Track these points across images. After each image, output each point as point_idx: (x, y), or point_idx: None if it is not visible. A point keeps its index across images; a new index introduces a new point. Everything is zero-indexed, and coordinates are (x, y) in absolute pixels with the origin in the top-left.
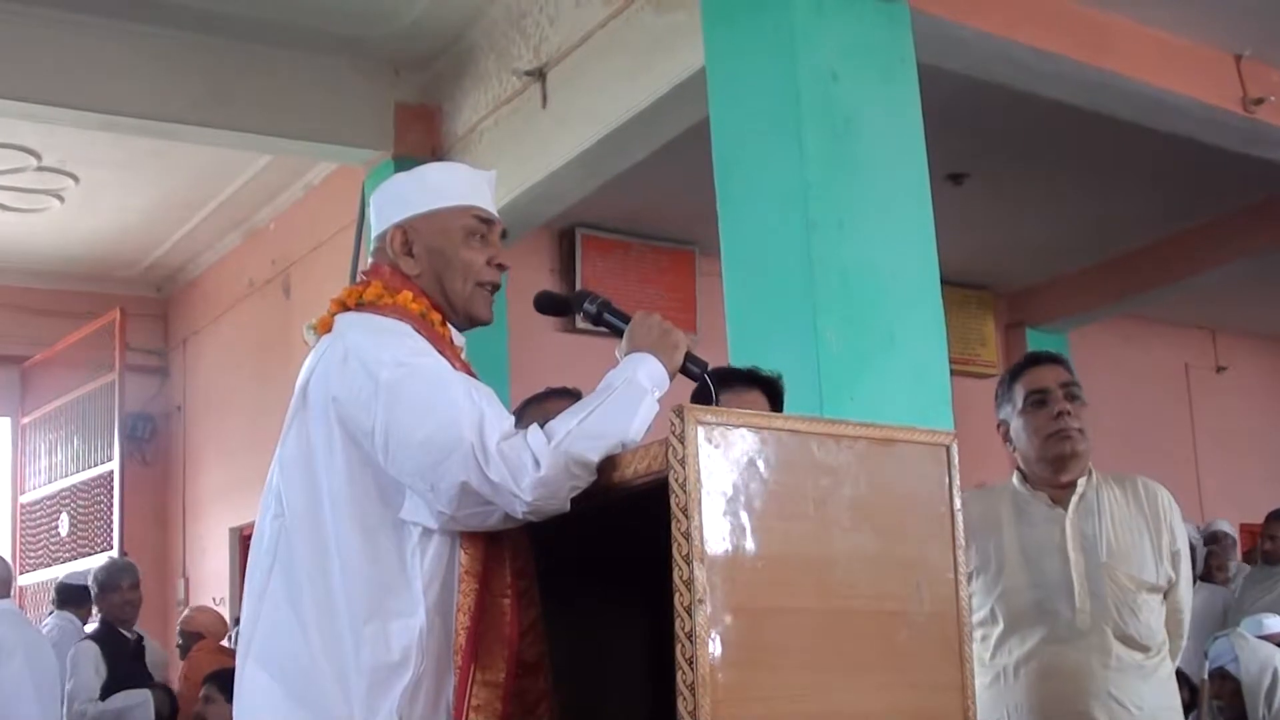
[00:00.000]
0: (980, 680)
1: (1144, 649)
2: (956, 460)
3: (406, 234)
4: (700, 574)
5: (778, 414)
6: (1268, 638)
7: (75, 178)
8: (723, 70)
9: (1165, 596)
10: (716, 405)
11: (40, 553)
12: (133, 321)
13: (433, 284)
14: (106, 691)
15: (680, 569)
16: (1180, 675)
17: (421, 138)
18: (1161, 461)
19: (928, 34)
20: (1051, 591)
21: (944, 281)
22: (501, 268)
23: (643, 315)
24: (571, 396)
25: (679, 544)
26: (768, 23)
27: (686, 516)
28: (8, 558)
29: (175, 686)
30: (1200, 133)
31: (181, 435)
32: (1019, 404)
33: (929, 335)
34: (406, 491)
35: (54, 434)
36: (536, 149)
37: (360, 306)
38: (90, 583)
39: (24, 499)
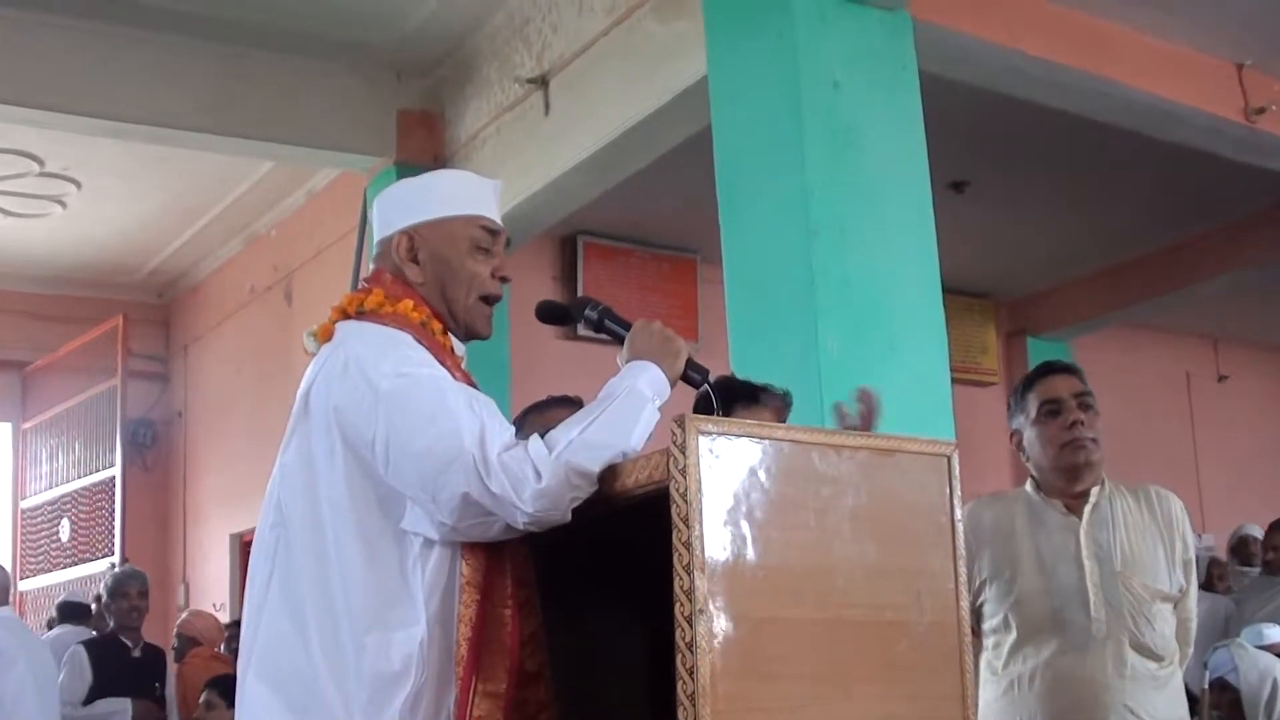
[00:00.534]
0: (994, 689)
1: (1158, 658)
2: (957, 470)
3: (413, 240)
4: (701, 584)
5: (779, 424)
6: (1268, 648)
7: (78, 183)
8: (725, 79)
9: (1175, 606)
10: (720, 415)
11: (41, 558)
12: (134, 327)
13: (435, 293)
14: (94, 696)
15: (681, 579)
16: None
17: (423, 144)
18: (1162, 470)
19: (930, 43)
20: (1067, 600)
21: (945, 290)
22: (504, 280)
23: (643, 323)
24: (573, 405)
25: (680, 554)
26: (770, 31)
27: (687, 526)
28: (8, 563)
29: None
30: (1202, 142)
31: (182, 441)
32: (1032, 414)
33: (930, 344)
34: (407, 502)
35: (55, 439)
36: (539, 156)
37: (361, 315)
38: (100, 588)
39: (25, 504)
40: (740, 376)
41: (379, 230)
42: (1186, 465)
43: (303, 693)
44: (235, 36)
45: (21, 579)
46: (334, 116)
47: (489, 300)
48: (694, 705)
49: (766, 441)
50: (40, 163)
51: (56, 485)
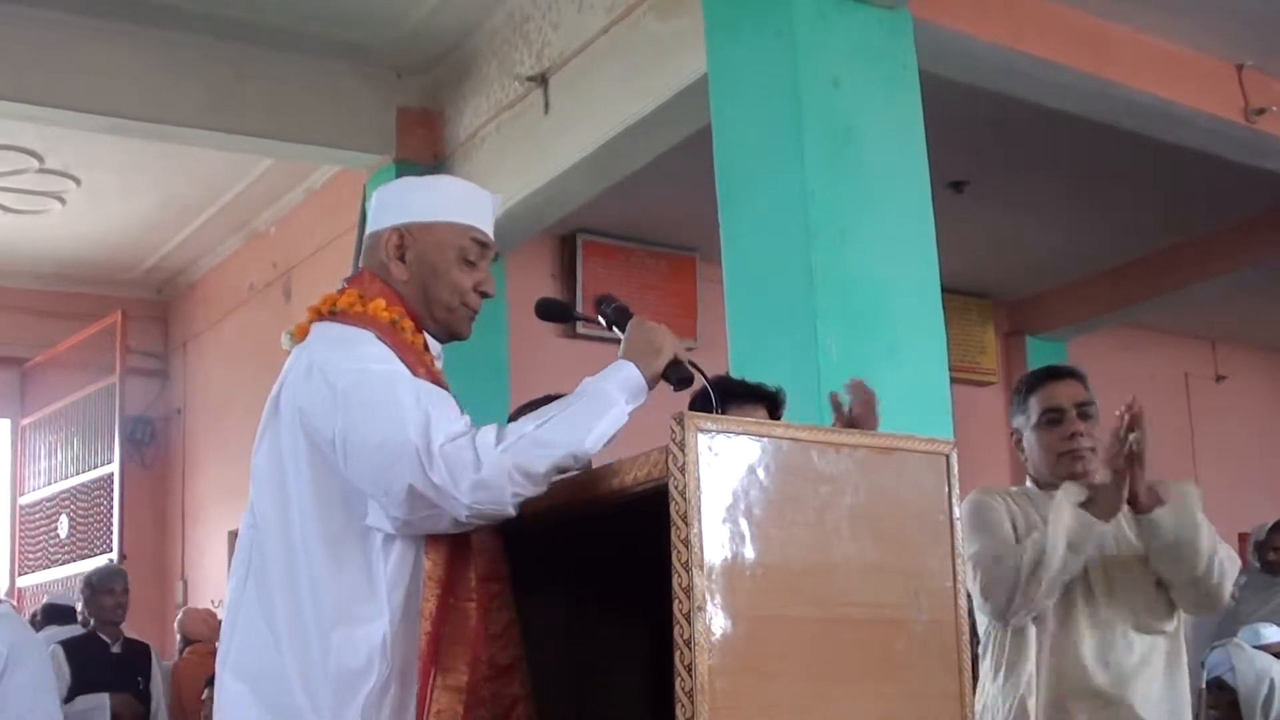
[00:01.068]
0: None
1: (1159, 633)
2: (956, 469)
3: (403, 238)
4: (699, 581)
5: (778, 422)
6: (1265, 648)
7: (77, 180)
8: (725, 77)
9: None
10: (718, 413)
11: (39, 555)
12: (133, 324)
13: (417, 293)
14: (73, 695)
15: (679, 576)
16: None
17: (423, 142)
18: (1160, 470)
19: (930, 42)
20: (1072, 588)
21: (944, 289)
22: (485, 295)
23: (638, 320)
24: None
25: (678, 551)
26: (770, 30)
27: (686, 524)
28: (6, 559)
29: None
30: (1201, 143)
31: (181, 438)
32: (1033, 419)
33: (929, 343)
34: (369, 498)
35: (54, 436)
36: (538, 154)
37: (333, 315)
38: (82, 585)
39: (23, 500)
40: (735, 376)
41: (372, 223)
42: (1185, 465)
43: (274, 689)
44: (236, 34)
45: (20, 575)
46: (334, 114)
47: (470, 309)
48: (692, 702)
49: (766, 439)
50: (40, 159)
51: (55, 481)
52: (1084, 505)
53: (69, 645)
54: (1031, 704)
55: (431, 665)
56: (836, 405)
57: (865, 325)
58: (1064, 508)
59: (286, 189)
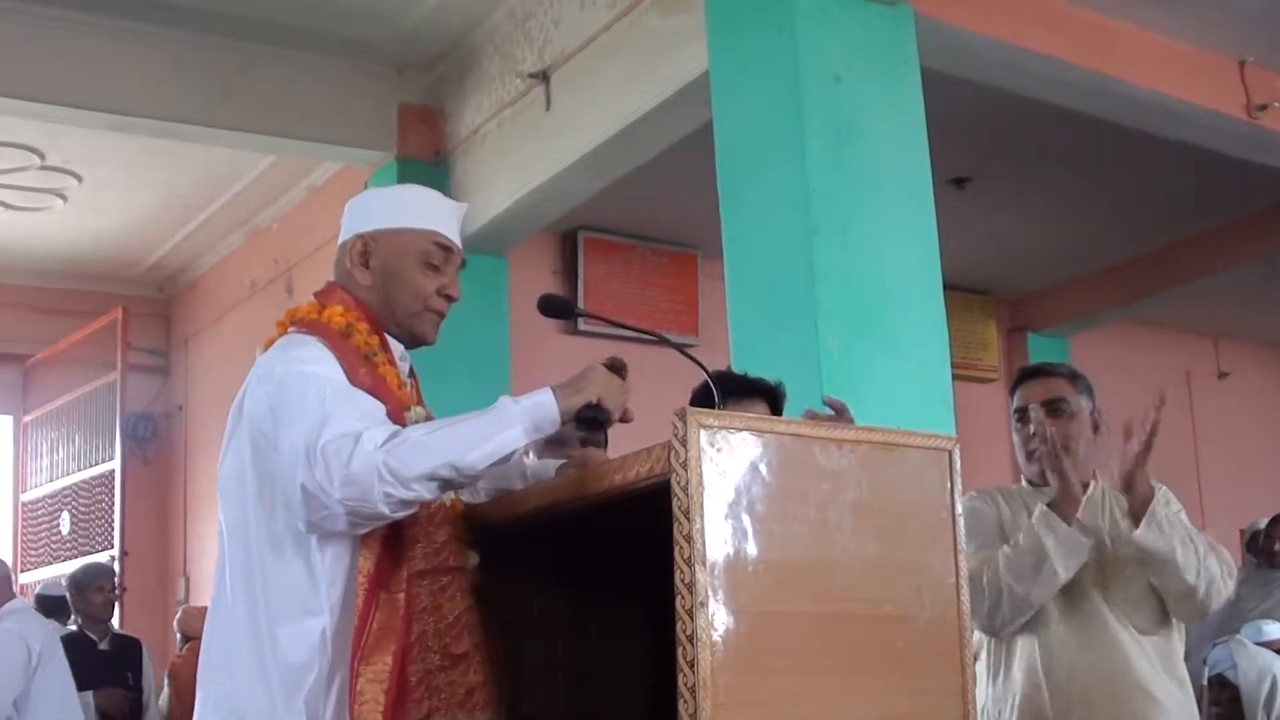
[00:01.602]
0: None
1: (1150, 634)
2: (959, 465)
3: (366, 245)
4: (702, 577)
5: (780, 418)
6: (1267, 644)
7: (78, 177)
8: (726, 73)
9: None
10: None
11: (41, 551)
12: (135, 321)
13: (380, 297)
14: None
15: (682, 572)
16: None
17: (424, 139)
18: (1163, 467)
19: (931, 38)
20: (1069, 584)
21: (946, 286)
22: (450, 299)
23: (592, 364)
24: None
25: (680, 547)
26: (771, 26)
27: (688, 519)
28: (9, 556)
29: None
30: (1203, 139)
31: (183, 435)
32: (1011, 418)
33: (931, 340)
34: None
35: (56, 432)
36: (540, 151)
37: (294, 325)
38: (67, 583)
39: (25, 497)
40: (735, 370)
41: (341, 235)
42: (1187, 462)
43: (231, 688)
44: (237, 31)
45: (22, 571)
46: (335, 111)
47: (434, 313)
48: (695, 698)
49: (768, 435)
50: (41, 156)
51: (57, 478)
52: (1050, 506)
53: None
54: (1028, 707)
55: (357, 657)
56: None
57: (867, 322)
58: (1041, 526)
59: (288, 186)
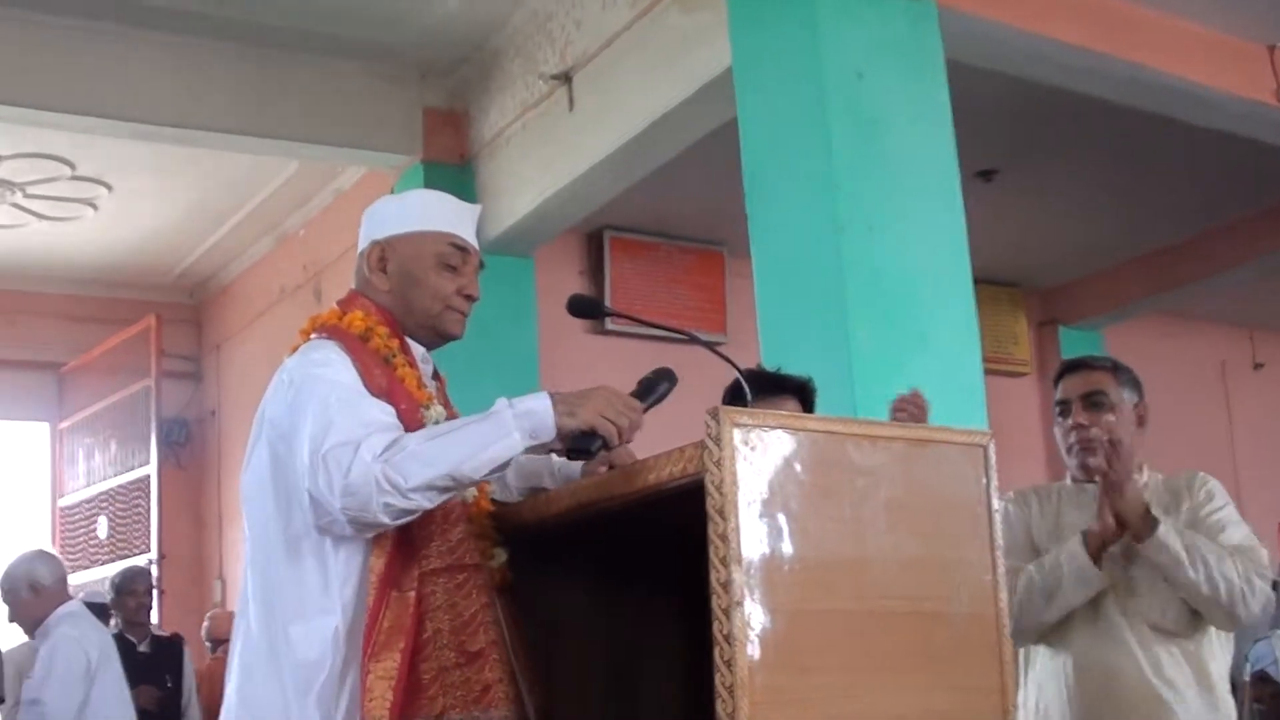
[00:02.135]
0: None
1: (1177, 636)
2: (994, 460)
3: (384, 251)
4: (737, 576)
5: (813, 415)
6: None
7: (109, 186)
8: (750, 70)
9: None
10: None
11: (79, 555)
12: (167, 327)
13: (399, 301)
14: None
15: (717, 571)
16: None
17: (449, 142)
18: (1198, 459)
19: (955, 30)
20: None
21: (975, 279)
22: (470, 298)
23: (604, 386)
24: None
25: (716, 546)
26: (794, 21)
27: (723, 519)
28: None
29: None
30: (1234, 126)
31: (216, 439)
32: (1054, 410)
33: (961, 334)
34: None
35: (91, 438)
36: (564, 152)
37: (316, 330)
38: (107, 587)
39: (63, 502)
40: (765, 367)
41: (360, 244)
42: (1223, 453)
43: (253, 688)
44: (261, 39)
45: None
46: (360, 116)
47: (456, 312)
48: (732, 697)
49: (801, 432)
50: (71, 166)
51: (93, 483)
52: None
53: None
54: (1047, 708)
55: (367, 655)
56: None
57: (896, 317)
58: (1065, 551)
59: (315, 191)
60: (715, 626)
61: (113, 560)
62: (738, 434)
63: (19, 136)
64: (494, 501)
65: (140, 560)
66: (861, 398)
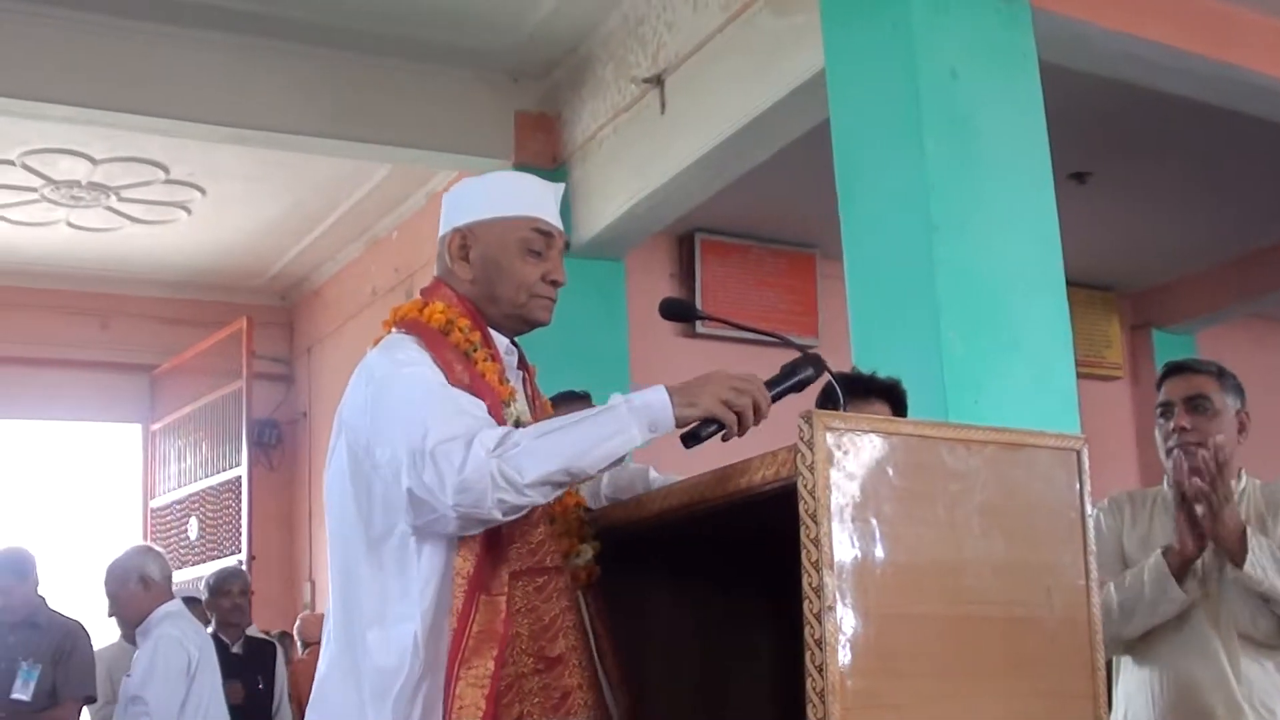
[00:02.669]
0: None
1: (1269, 648)
2: (1087, 465)
3: (465, 238)
4: (829, 580)
5: (906, 419)
6: None
7: (202, 190)
8: (842, 71)
9: None
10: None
11: (171, 556)
12: (259, 330)
13: (484, 290)
14: None
15: (809, 575)
16: None
17: (541, 146)
18: None
19: (1049, 31)
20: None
21: (1068, 282)
22: (556, 284)
23: (720, 370)
24: (580, 400)
25: (808, 550)
26: (887, 23)
27: (815, 523)
28: None
29: None
30: None
31: (307, 441)
32: (1156, 412)
33: (1054, 337)
34: None
35: (183, 440)
36: (655, 155)
37: (396, 324)
38: (202, 588)
39: (154, 504)
40: (856, 369)
41: (440, 229)
42: None
43: (321, 691)
44: (355, 44)
45: None
46: (453, 120)
47: (543, 299)
48: (823, 702)
49: (894, 436)
50: (165, 170)
51: (185, 485)
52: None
53: None
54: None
55: (455, 660)
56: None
57: (988, 319)
58: (1148, 568)
59: (407, 194)
60: (806, 631)
61: (203, 561)
62: (830, 438)
63: (114, 141)
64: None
65: (230, 562)
66: (953, 400)
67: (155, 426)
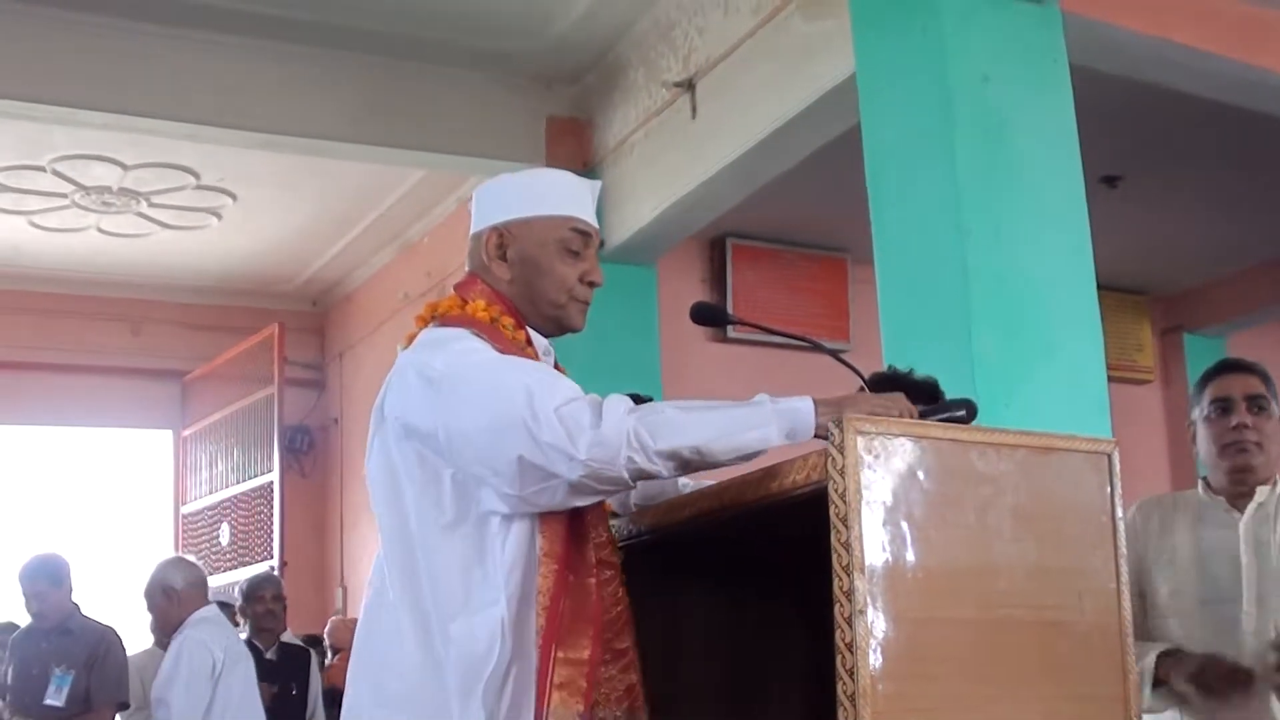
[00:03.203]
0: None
1: None
2: (1118, 468)
3: (502, 237)
4: (860, 584)
5: (936, 423)
6: None
7: (233, 195)
8: (873, 76)
9: None
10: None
11: (202, 562)
12: (290, 336)
13: (522, 290)
14: None
15: (840, 579)
16: None
17: (572, 151)
18: None
19: (1080, 35)
20: (1220, 595)
21: (1099, 286)
22: (594, 284)
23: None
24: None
25: (839, 554)
26: (918, 27)
27: (846, 527)
28: None
29: None
30: None
31: (339, 447)
32: (1204, 410)
33: (1086, 341)
34: (482, 485)
35: (214, 446)
36: (686, 160)
37: (436, 320)
38: (236, 593)
39: (186, 509)
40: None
41: (473, 225)
42: None
43: (399, 687)
44: (385, 49)
45: None
46: (484, 125)
47: (580, 302)
48: (854, 706)
49: (925, 441)
50: (196, 176)
51: (216, 491)
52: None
53: None
54: None
55: (553, 640)
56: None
57: (1020, 324)
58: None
59: (438, 199)
60: (837, 635)
61: (234, 567)
62: (861, 442)
63: (145, 146)
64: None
65: (262, 568)
66: (985, 404)
67: (186, 432)
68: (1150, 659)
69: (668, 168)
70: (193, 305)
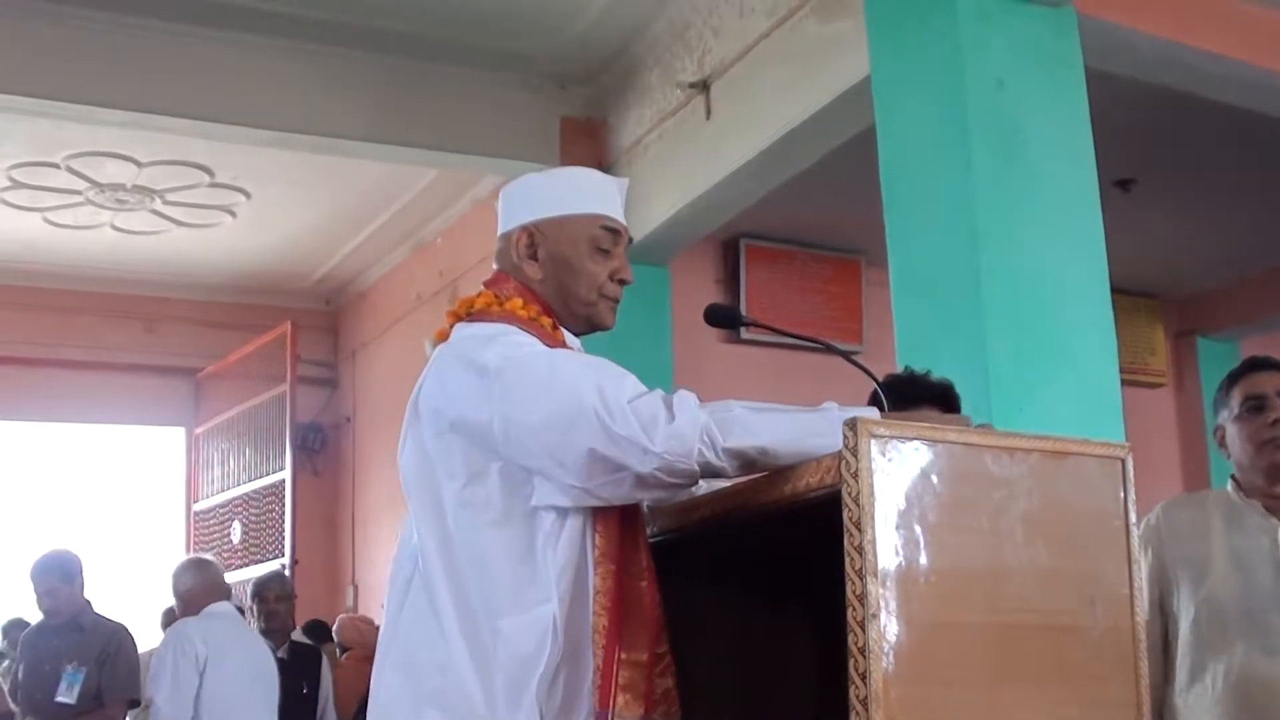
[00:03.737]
0: (1174, 685)
1: None
2: (1132, 473)
3: (533, 236)
4: (873, 588)
5: (950, 427)
6: None
7: (247, 194)
8: (888, 78)
9: None
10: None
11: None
12: (303, 334)
13: (554, 289)
14: None
15: (853, 583)
16: None
17: (587, 151)
18: None
19: (1095, 39)
20: (1260, 602)
21: (1113, 289)
22: (624, 282)
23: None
24: None
25: (852, 558)
26: (933, 30)
27: (859, 530)
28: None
29: None
30: None
31: (351, 446)
32: (1235, 409)
33: (1099, 345)
34: (535, 478)
35: (227, 444)
36: (701, 161)
37: (471, 316)
38: (246, 592)
39: (198, 507)
40: (904, 370)
41: (502, 224)
42: None
43: (440, 683)
44: (400, 48)
45: None
46: (498, 125)
47: (610, 300)
48: (866, 710)
49: (939, 444)
50: (210, 174)
51: (228, 488)
52: None
53: None
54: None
55: (616, 641)
56: None
57: (1034, 327)
58: None
59: (452, 199)
60: (850, 639)
61: (246, 565)
62: (875, 445)
63: (158, 144)
64: None
65: (273, 566)
66: (998, 408)
67: (199, 430)
68: None
69: (682, 169)
70: (206, 303)
